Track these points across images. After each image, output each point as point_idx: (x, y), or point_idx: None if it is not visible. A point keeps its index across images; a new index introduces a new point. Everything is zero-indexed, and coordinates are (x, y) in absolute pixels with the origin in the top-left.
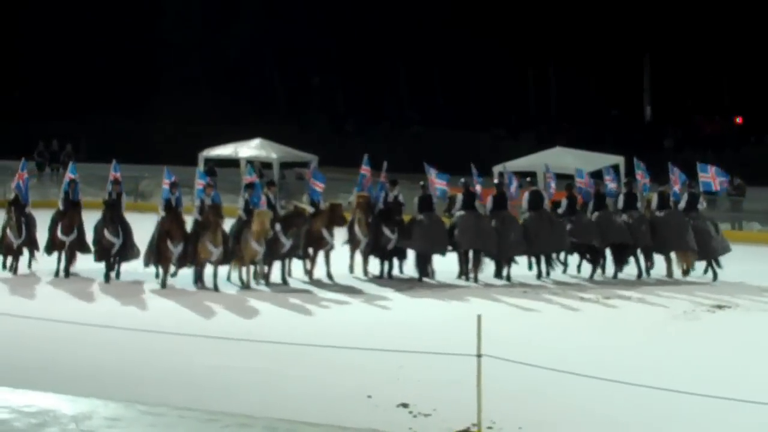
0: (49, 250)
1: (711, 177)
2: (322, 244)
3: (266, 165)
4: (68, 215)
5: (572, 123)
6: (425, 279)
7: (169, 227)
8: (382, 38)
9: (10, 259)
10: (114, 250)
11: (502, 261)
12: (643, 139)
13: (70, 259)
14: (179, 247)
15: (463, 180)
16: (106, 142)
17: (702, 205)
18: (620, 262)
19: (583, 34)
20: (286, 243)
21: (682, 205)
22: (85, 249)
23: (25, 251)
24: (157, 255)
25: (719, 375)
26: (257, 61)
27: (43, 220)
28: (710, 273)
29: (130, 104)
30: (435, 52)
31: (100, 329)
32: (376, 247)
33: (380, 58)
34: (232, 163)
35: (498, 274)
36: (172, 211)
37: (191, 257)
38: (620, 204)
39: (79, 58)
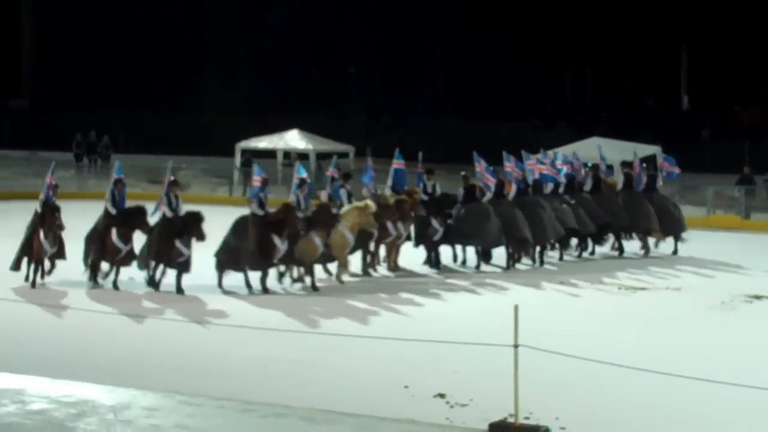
0: (99, 258)
1: (667, 165)
2: (385, 236)
3: (303, 156)
4: (125, 222)
5: (609, 113)
6: (461, 268)
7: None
8: (419, 29)
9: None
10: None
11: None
12: (680, 129)
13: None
14: (285, 245)
15: (463, 173)
16: (144, 133)
17: (659, 183)
18: (599, 242)
19: (620, 24)
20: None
21: (641, 186)
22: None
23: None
24: (265, 257)
25: (758, 365)
26: (294, 53)
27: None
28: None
29: (168, 96)
30: (472, 43)
31: (138, 320)
32: (423, 238)
33: (417, 49)
34: (269, 154)
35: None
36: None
37: (298, 255)
38: (587, 187)
39: (118, 51)
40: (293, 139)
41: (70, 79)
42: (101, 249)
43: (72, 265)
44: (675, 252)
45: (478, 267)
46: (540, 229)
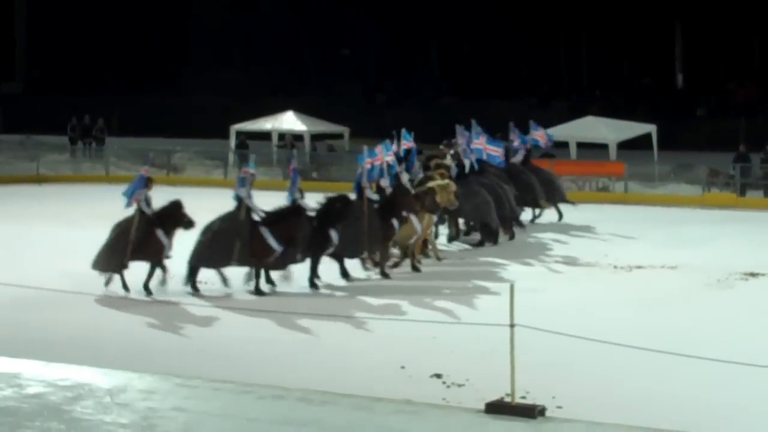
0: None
1: (540, 135)
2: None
3: (298, 137)
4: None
5: (604, 91)
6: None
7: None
8: (413, 8)
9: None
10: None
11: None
12: (675, 107)
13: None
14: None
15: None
16: (139, 116)
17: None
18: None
19: (615, 1)
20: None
21: (519, 158)
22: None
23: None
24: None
25: (756, 342)
26: (288, 34)
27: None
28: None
29: (162, 78)
30: (466, 22)
31: (134, 303)
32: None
33: (411, 28)
34: (264, 136)
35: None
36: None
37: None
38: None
39: (112, 34)
40: (288, 121)
41: (63, 62)
42: (148, 251)
43: (65, 252)
44: (560, 218)
45: (480, 243)
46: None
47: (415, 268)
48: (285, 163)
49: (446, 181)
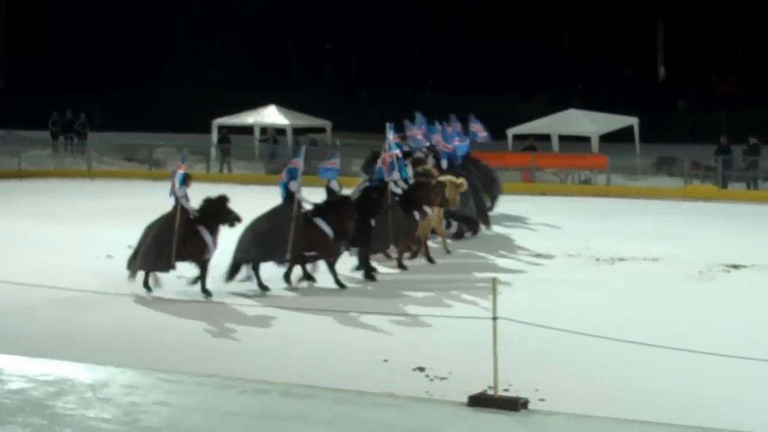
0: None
1: (478, 128)
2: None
3: (280, 131)
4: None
5: (586, 85)
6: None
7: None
8: (395, 2)
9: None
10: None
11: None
12: (656, 100)
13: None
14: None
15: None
16: (121, 110)
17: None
18: None
19: None
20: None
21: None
22: None
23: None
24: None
25: (738, 334)
26: (270, 28)
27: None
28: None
29: (144, 72)
30: (447, 16)
31: (116, 297)
32: None
33: (393, 22)
34: (246, 130)
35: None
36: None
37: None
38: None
39: (93, 28)
40: (270, 115)
41: (45, 57)
42: (192, 250)
43: (47, 247)
44: (491, 208)
45: (458, 235)
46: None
47: (430, 260)
48: (267, 157)
49: (461, 180)
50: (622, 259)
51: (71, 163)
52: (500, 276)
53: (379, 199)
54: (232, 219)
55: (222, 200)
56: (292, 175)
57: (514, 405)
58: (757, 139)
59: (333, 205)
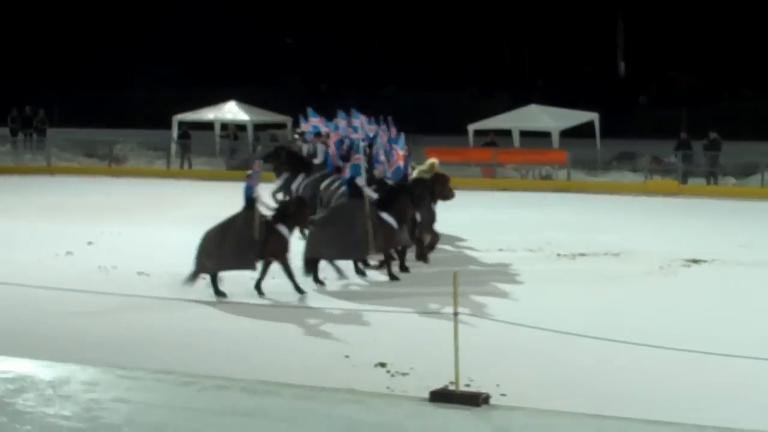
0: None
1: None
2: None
3: (240, 127)
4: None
5: (546, 80)
6: None
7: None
8: None
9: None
10: None
11: None
12: (617, 96)
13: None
14: None
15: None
16: (80, 107)
17: None
18: None
19: None
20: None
21: None
22: None
23: None
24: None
25: (698, 329)
26: (231, 24)
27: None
28: None
29: (104, 69)
30: (408, 12)
31: (76, 294)
32: None
33: (355, 18)
34: (206, 126)
35: None
36: None
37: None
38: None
39: (53, 24)
40: (231, 111)
41: (3, 53)
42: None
43: (5, 243)
44: None
45: None
46: None
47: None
48: (228, 153)
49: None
50: (582, 254)
51: (31, 160)
52: (461, 271)
53: (422, 193)
54: (308, 224)
55: (301, 203)
56: (356, 170)
57: (475, 400)
58: (717, 135)
59: (391, 197)
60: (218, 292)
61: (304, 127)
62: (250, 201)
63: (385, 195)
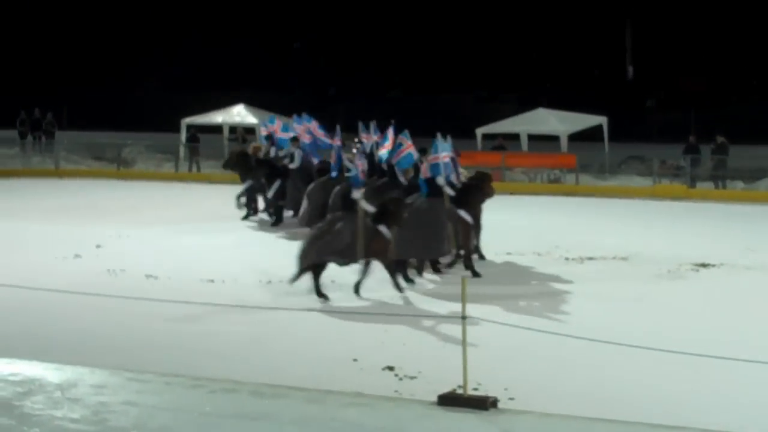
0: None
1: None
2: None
3: (249, 130)
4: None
5: (554, 84)
6: None
7: None
8: (363, 2)
9: None
10: None
11: None
12: (625, 99)
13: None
14: None
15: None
16: (88, 110)
17: None
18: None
19: None
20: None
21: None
22: None
23: None
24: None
25: (706, 333)
26: (239, 27)
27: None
28: None
29: (112, 72)
30: (416, 16)
31: (84, 297)
32: None
33: (362, 22)
34: (215, 129)
35: None
36: None
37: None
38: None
39: (62, 27)
40: (239, 114)
41: (12, 56)
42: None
43: (12, 246)
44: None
45: None
46: None
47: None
48: None
49: None
50: (590, 258)
51: (39, 162)
52: (469, 275)
53: (483, 190)
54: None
55: (399, 202)
56: (437, 170)
57: (483, 404)
58: (725, 139)
59: (465, 193)
60: (408, 279)
61: (266, 131)
62: (353, 201)
63: (458, 193)
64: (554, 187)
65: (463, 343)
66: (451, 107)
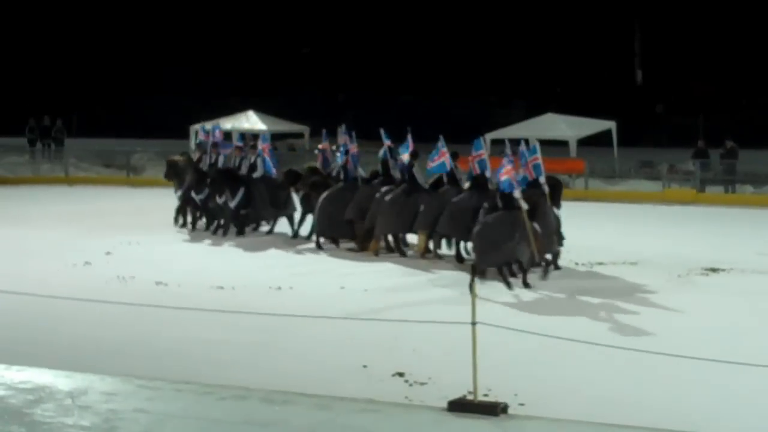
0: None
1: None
2: None
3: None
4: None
5: (564, 89)
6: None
7: None
8: (372, 7)
9: None
10: None
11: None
12: (634, 104)
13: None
14: None
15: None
16: (97, 117)
17: None
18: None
19: None
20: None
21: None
22: None
23: None
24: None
25: (717, 338)
26: (248, 33)
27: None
28: None
29: (122, 80)
30: (425, 21)
31: (95, 304)
32: None
33: (371, 27)
34: (224, 135)
35: None
36: None
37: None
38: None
39: (71, 35)
40: (248, 120)
41: (21, 63)
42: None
43: (23, 254)
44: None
45: None
46: None
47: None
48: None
49: None
50: (600, 263)
51: (48, 170)
52: (478, 280)
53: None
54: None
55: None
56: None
57: (493, 410)
58: (734, 143)
59: (534, 205)
60: (509, 284)
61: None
62: (513, 199)
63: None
64: (563, 192)
65: (473, 348)
66: (460, 112)
